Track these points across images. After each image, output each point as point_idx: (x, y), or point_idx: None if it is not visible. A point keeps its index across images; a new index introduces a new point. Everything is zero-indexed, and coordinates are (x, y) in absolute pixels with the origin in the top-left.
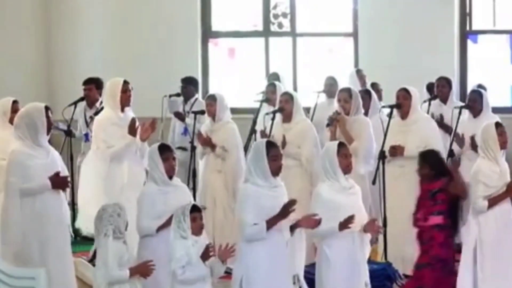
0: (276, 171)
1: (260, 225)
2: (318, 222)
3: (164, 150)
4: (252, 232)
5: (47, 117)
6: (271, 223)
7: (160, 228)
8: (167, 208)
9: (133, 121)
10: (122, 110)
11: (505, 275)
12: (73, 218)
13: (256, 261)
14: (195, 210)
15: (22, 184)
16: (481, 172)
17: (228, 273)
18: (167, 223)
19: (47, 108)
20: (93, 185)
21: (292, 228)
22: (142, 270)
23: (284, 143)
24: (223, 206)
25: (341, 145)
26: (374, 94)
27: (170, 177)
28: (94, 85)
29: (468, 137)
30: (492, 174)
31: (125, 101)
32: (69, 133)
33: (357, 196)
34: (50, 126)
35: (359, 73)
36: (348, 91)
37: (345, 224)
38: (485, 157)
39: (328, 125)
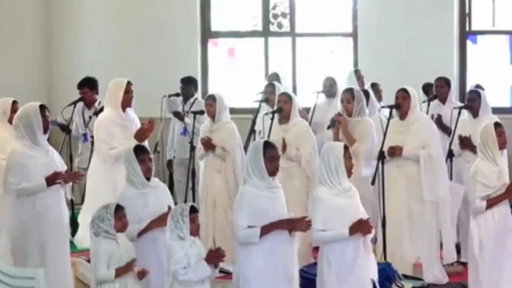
0: (273, 171)
1: (254, 230)
2: (309, 224)
3: (140, 151)
4: (244, 235)
5: (43, 116)
6: (266, 230)
7: (142, 233)
8: (146, 211)
9: (142, 127)
10: (124, 110)
11: (505, 274)
12: (72, 218)
13: (252, 262)
14: (193, 211)
15: (19, 185)
16: (479, 173)
17: (225, 273)
18: (148, 228)
19: (42, 107)
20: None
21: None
22: (127, 269)
23: (284, 146)
24: (223, 206)
25: (345, 147)
26: (371, 95)
27: (148, 179)
28: (87, 87)
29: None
30: (491, 175)
31: (127, 101)
32: (66, 127)
33: (356, 198)
34: (47, 125)
35: (357, 74)
36: (351, 91)
37: (356, 228)
38: (484, 157)
39: (329, 127)
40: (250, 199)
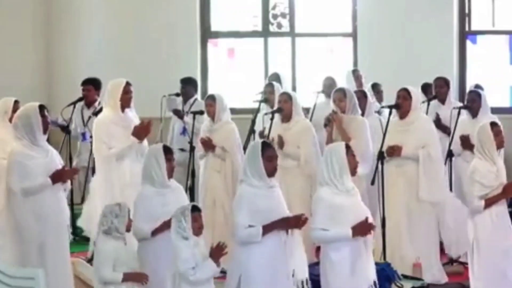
0: (271, 171)
1: (256, 229)
2: (305, 222)
3: (167, 151)
4: (246, 234)
5: (43, 116)
6: (268, 228)
7: (156, 232)
8: (165, 209)
9: (141, 125)
10: (123, 110)
11: (500, 274)
12: (72, 218)
13: (253, 261)
14: (195, 210)
15: (23, 183)
16: (477, 172)
17: (225, 273)
18: (163, 227)
19: (42, 107)
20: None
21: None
22: (137, 278)
23: (281, 143)
24: (222, 206)
25: (347, 146)
26: (369, 95)
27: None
28: (92, 86)
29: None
30: (489, 174)
31: (126, 102)
32: (66, 127)
33: (358, 197)
34: (46, 125)
35: (355, 73)
36: (342, 90)
37: (359, 230)
38: (482, 157)
39: (325, 125)
40: (250, 198)
